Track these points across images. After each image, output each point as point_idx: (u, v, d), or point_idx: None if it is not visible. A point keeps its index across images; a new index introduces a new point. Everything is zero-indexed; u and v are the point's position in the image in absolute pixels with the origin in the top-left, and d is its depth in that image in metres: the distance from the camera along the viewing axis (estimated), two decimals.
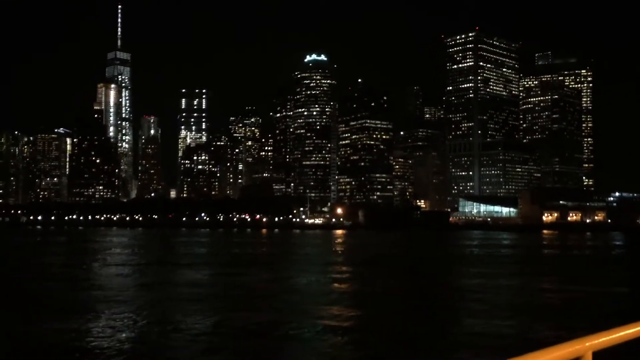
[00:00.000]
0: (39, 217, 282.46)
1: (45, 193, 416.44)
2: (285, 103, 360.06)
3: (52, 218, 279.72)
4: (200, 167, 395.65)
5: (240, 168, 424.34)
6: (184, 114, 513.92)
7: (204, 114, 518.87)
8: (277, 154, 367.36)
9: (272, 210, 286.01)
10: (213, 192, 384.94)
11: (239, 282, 49.62)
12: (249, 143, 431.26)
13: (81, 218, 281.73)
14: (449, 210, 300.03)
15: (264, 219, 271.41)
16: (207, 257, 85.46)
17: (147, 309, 34.76)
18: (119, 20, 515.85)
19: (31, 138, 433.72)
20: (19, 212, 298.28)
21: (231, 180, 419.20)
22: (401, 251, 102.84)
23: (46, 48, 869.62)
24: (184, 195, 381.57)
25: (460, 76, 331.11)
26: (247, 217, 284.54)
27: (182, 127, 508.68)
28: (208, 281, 51.85)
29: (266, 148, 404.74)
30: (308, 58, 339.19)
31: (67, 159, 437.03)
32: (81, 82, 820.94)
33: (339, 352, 24.28)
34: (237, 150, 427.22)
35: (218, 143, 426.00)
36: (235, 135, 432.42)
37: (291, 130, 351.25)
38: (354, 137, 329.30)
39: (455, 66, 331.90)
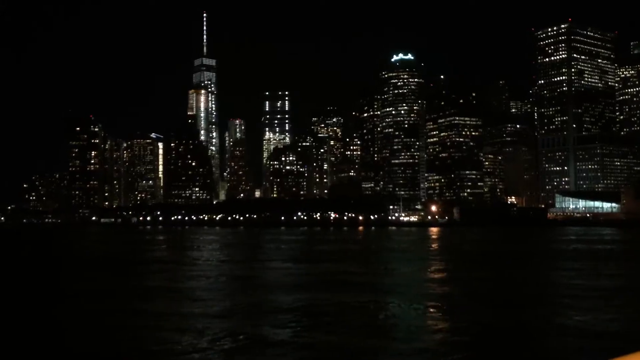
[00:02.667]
0: (148, 218, 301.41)
1: (142, 195, 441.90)
2: (372, 102, 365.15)
3: (160, 218, 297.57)
4: (288, 167, 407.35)
5: (325, 167, 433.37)
6: (267, 116, 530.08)
7: (286, 116, 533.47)
8: (364, 153, 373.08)
9: (363, 208, 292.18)
10: (301, 192, 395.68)
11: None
12: (332, 142, 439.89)
13: (186, 218, 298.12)
14: (542, 206, 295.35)
15: (360, 217, 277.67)
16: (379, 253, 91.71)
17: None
18: (204, 27, 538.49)
19: (129, 143, 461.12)
20: (129, 213, 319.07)
21: (317, 179, 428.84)
22: (514, 247, 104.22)
23: (138, 57, 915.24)
24: (274, 195, 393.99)
25: (553, 69, 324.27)
26: (335, 215, 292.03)
27: (266, 128, 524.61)
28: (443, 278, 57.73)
29: (351, 147, 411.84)
30: (395, 57, 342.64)
31: (160, 163, 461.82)
32: (170, 88, 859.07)
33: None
34: (321, 150, 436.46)
35: (304, 143, 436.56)
36: (319, 135, 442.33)
37: (379, 129, 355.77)
38: (442, 134, 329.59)
39: (547, 59, 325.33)
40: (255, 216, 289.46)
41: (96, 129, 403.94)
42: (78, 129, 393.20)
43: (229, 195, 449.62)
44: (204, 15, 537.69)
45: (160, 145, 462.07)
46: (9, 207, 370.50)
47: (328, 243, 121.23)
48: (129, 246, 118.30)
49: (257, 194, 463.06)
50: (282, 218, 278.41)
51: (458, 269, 61.39)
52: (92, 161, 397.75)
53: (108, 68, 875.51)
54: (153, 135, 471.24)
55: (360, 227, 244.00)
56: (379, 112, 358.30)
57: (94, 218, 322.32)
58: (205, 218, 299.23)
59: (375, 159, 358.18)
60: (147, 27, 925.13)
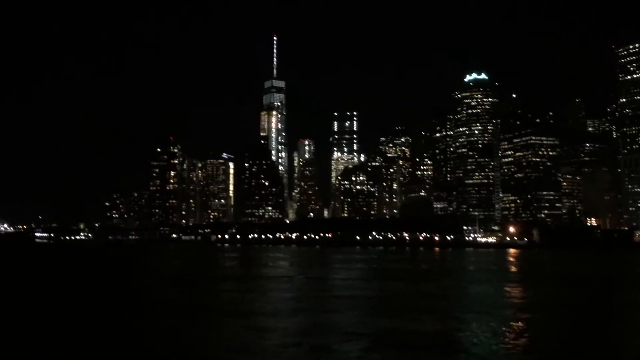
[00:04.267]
0: (226, 236, 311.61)
1: (215, 213, 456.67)
2: (445, 122, 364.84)
3: (238, 236, 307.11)
4: (358, 187, 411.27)
5: (394, 187, 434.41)
6: (335, 136, 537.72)
7: (354, 136, 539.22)
8: (436, 173, 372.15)
9: (438, 228, 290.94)
10: (372, 212, 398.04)
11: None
12: (400, 162, 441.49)
13: (262, 236, 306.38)
14: (627, 228, 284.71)
15: (435, 237, 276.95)
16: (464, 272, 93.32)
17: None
18: (275, 50, 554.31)
19: (202, 163, 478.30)
20: (206, 230, 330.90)
21: (387, 199, 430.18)
22: (603, 271, 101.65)
23: (212, 80, 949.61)
24: (345, 214, 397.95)
25: (636, 87, 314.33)
26: (408, 235, 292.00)
27: (335, 148, 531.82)
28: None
29: (421, 167, 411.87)
30: (468, 77, 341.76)
31: (231, 182, 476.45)
32: (241, 110, 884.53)
33: None
34: (391, 170, 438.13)
35: (373, 163, 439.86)
36: (388, 155, 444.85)
37: (452, 149, 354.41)
38: (517, 154, 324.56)
39: (629, 77, 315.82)
40: (330, 235, 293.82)
41: (175, 150, 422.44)
42: (159, 150, 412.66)
43: (298, 214, 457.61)
44: (274, 38, 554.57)
45: (232, 165, 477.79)
46: (96, 225, 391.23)
47: (411, 263, 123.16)
48: (232, 262, 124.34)
49: (326, 213, 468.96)
50: (358, 237, 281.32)
51: (542, 292, 59.17)
52: (171, 181, 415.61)
53: (186, 91, 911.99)
54: (225, 155, 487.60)
55: (437, 248, 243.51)
56: (451, 132, 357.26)
57: (174, 235, 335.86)
58: (282, 237, 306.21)
59: (448, 178, 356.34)
60: (219, 52, 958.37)
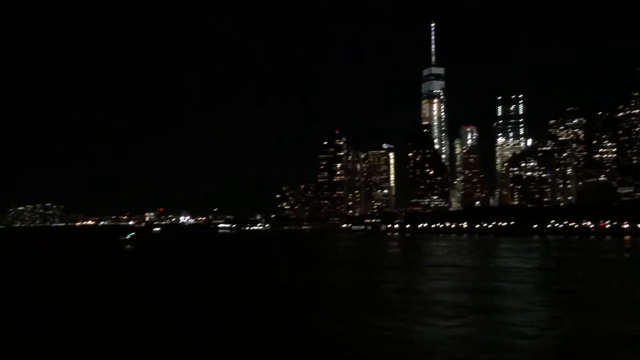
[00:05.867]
0: (396, 225, 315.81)
1: (379, 204, 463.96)
2: (629, 100, 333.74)
3: (407, 226, 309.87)
4: (528, 173, 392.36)
5: (568, 172, 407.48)
6: (500, 121, 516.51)
7: (520, 120, 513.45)
8: (620, 156, 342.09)
9: (625, 216, 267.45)
10: (545, 199, 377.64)
11: None
12: (574, 145, 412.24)
13: (432, 226, 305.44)
14: None
15: (624, 225, 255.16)
16: None
17: None
18: (433, 37, 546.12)
19: (365, 154, 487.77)
20: (375, 220, 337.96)
21: (560, 185, 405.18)
22: None
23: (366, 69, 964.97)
24: (515, 202, 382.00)
25: None
26: (591, 223, 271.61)
27: (499, 134, 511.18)
28: None
29: (600, 150, 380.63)
30: None
31: (392, 172, 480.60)
32: (398, 99, 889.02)
33: None
34: (564, 154, 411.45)
35: (544, 148, 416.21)
36: (559, 138, 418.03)
37: (638, 129, 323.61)
38: None
39: None
40: (504, 224, 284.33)
41: (341, 143, 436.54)
42: (325, 143, 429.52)
43: (463, 202, 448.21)
44: (432, 25, 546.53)
45: (392, 155, 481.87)
46: (272, 216, 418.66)
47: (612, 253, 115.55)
48: (441, 251, 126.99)
49: (491, 201, 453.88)
50: (534, 226, 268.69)
51: None
52: (338, 172, 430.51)
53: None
54: (385, 146, 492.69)
55: (627, 237, 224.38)
56: (637, 111, 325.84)
57: (344, 225, 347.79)
58: (451, 226, 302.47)
59: (634, 161, 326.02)
60: (378, 42, 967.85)
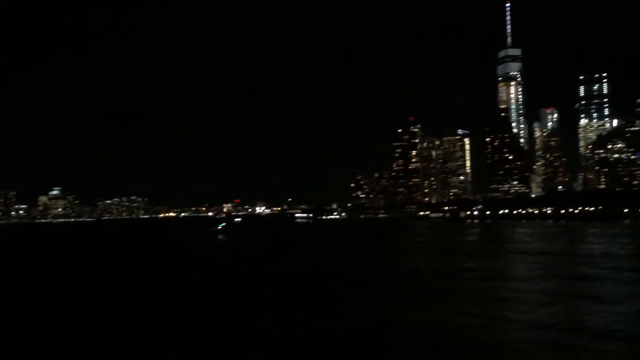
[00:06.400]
0: (475, 212, 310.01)
1: (455, 190, 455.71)
2: None
3: (487, 212, 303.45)
4: (616, 155, 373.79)
5: None
6: (582, 102, 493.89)
7: (605, 100, 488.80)
8: None
9: None
10: (634, 182, 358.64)
11: None
12: None
13: (514, 212, 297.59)
14: None
15: None
16: None
17: None
18: (508, 18, 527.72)
19: (439, 141, 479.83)
20: (453, 207, 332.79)
21: None
22: None
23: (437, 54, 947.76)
24: (602, 186, 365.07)
25: None
26: None
27: (582, 115, 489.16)
28: None
29: None
30: None
31: (467, 158, 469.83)
32: (472, 82, 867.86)
33: None
34: None
35: (632, 128, 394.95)
36: None
37: None
38: None
39: None
40: (591, 209, 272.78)
41: (415, 130, 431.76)
42: (400, 130, 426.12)
43: (544, 187, 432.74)
44: (507, 6, 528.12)
45: (467, 140, 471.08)
46: (349, 205, 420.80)
47: None
48: (529, 238, 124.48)
49: (575, 185, 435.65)
50: (625, 210, 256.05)
51: None
52: (413, 160, 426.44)
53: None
54: (460, 131, 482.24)
55: None
56: None
57: (421, 213, 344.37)
58: (534, 212, 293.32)
59: None
60: (452, 23, 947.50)
